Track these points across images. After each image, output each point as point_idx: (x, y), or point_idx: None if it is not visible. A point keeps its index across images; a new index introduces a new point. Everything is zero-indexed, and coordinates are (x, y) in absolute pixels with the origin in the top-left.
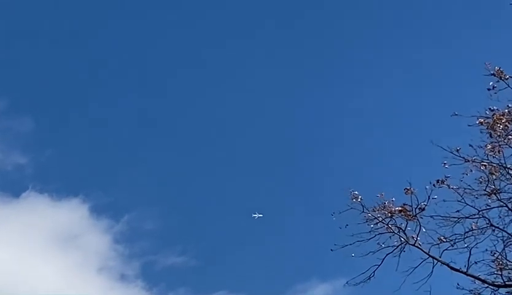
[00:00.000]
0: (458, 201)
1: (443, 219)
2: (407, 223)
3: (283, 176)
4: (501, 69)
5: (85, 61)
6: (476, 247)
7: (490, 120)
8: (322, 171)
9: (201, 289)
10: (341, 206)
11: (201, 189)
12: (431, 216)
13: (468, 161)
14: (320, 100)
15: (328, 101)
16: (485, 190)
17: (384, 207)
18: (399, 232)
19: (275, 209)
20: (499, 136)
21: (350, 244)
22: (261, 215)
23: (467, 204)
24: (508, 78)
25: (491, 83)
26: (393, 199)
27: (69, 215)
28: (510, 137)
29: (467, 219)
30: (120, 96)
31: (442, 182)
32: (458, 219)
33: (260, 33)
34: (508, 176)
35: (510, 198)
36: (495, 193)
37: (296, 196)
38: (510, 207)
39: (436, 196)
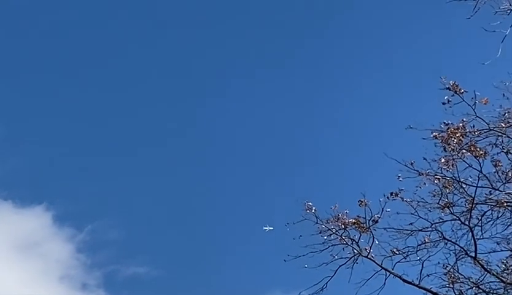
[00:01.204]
0: (411, 214)
1: (396, 232)
2: (360, 235)
3: (239, 187)
4: (456, 83)
5: (51, 69)
6: (429, 260)
7: (445, 134)
8: (277, 182)
9: None
10: (295, 217)
11: (164, 199)
12: (385, 228)
13: (422, 174)
14: (276, 112)
15: (284, 113)
16: (438, 203)
17: (338, 219)
18: (352, 243)
19: (234, 219)
20: (453, 150)
21: (304, 255)
22: (271, 228)
23: (420, 217)
24: (462, 92)
25: (446, 97)
26: (347, 211)
27: (32, 222)
28: (464, 151)
29: (420, 232)
30: (83, 104)
31: (396, 194)
32: (411, 231)
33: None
34: (461, 190)
35: (463, 211)
36: (448, 207)
37: (252, 207)
38: (463, 221)
39: (389, 209)
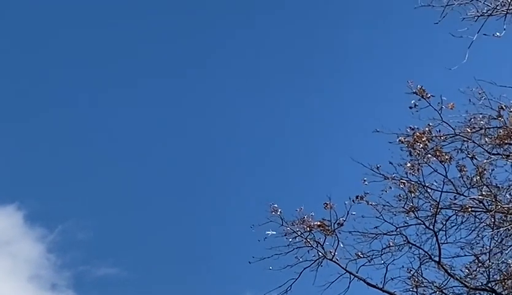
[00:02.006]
0: (376, 217)
1: (361, 235)
2: (325, 238)
3: (207, 188)
4: (423, 88)
5: (26, 71)
6: (393, 264)
7: (411, 139)
8: (243, 183)
9: None
10: (261, 219)
11: (135, 201)
12: (350, 232)
13: (388, 178)
14: (242, 112)
15: (251, 114)
16: (403, 207)
17: (303, 221)
18: (317, 246)
19: (201, 221)
20: (418, 154)
21: (268, 257)
22: (274, 232)
23: (385, 221)
24: (429, 97)
25: (413, 102)
26: (313, 213)
27: (3, 222)
28: (429, 156)
29: (385, 236)
30: (55, 103)
31: (362, 198)
32: (376, 235)
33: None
34: (426, 195)
35: (428, 216)
36: (413, 211)
37: (219, 208)
38: (427, 225)
39: (355, 212)
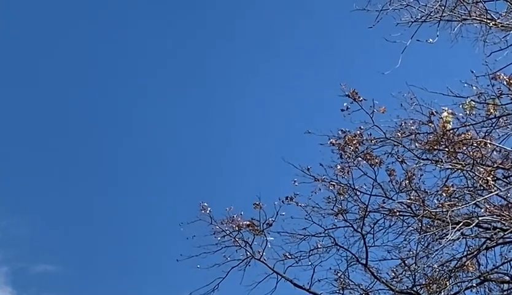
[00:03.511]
0: (305, 219)
1: (290, 236)
2: (254, 238)
3: (138, 186)
4: (355, 91)
5: None
6: (320, 266)
7: (342, 141)
8: (173, 182)
9: None
10: (190, 218)
11: (75, 199)
12: (278, 232)
13: (318, 180)
14: (174, 110)
15: (182, 113)
16: (332, 209)
17: (232, 220)
18: (245, 246)
19: (132, 219)
20: (349, 157)
21: (196, 256)
22: (272, 238)
23: (314, 222)
24: (361, 100)
25: (345, 104)
26: (242, 213)
27: None
28: (360, 159)
29: (313, 237)
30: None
31: (291, 199)
32: (305, 236)
33: None
34: (355, 197)
35: (356, 219)
36: (341, 213)
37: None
38: (355, 228)
39: (284, 213)
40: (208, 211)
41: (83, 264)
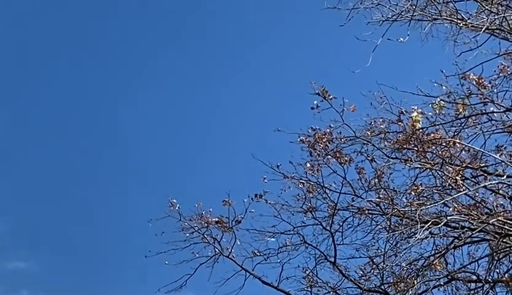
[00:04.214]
0: (274, 216)
1: (259, 233)
2: (223, 234)
3: (108, 182)
4: (325, 89)
5: None
6: (289, 263)
7: (312, 139)
8: (142, 178)
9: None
10: (159, 214)
11: (47, 197)
12: (247, 229)
13: (287, 177)
14: (143, 105)
15: (152, 107)
16: (301, 207)
17: (201, 217)
18: (214, 242)
19: (106, 215)
20: (319, 155)
21: (165, 252)
22: (273, 239)
23: (283, 220)
24: (332, 98)
25: (315, 102)
26: (211, 210)
27: None
28: (329, 157)
29: (282, 235)
30: None
31: (261, 196)
32: (273, 234)
33: None
34: (324, 195)
35: (325, 217)
36: (310, 211)
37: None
38: (324, 226)
39: (253, 210)
40: (177, 208)
41: (54, 261)
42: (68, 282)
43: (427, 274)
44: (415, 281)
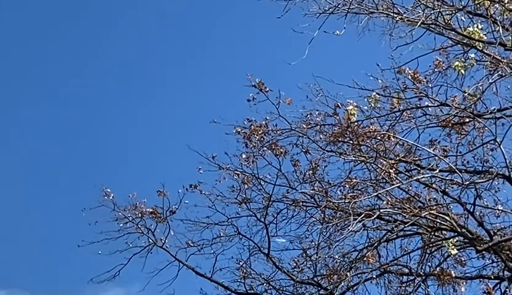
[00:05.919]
0: (209, 207)
1: (193, 224)
2: (157, 225)
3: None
4: (262, 82)
5: None
6: (223, 254)
7: (248, 131)
8: (75, 166)
9: None
10: (92, 203)
11: None
12: (182, 220)
13: (223, 168)
14: (76, 96)
15: (86, 98)
16: (236, 198)
17: (135, 207)
18: (148, 233)
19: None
20: (254, 146)
21: (98, 242)
22: (284, 240)
23: (218, 211)
24: (268, 91)
25: (251, 95)
26: (145, 200)
27: None
28: (265, 149)
29: (216, 226)
30: None
31: (195, 187)
32: (208, 224)
33: None
34: (259, 187)
35: (260, 208)
36: (245, 202)
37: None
38: (259, 217)
39: (188, 201)
40: (111, 197)
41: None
42: (22, 277)
43: (360, 266)
44: (348, 273)
